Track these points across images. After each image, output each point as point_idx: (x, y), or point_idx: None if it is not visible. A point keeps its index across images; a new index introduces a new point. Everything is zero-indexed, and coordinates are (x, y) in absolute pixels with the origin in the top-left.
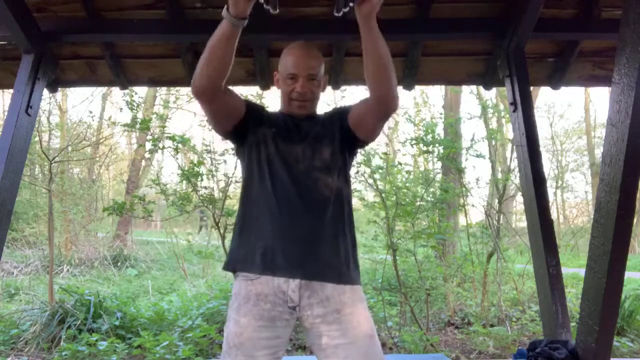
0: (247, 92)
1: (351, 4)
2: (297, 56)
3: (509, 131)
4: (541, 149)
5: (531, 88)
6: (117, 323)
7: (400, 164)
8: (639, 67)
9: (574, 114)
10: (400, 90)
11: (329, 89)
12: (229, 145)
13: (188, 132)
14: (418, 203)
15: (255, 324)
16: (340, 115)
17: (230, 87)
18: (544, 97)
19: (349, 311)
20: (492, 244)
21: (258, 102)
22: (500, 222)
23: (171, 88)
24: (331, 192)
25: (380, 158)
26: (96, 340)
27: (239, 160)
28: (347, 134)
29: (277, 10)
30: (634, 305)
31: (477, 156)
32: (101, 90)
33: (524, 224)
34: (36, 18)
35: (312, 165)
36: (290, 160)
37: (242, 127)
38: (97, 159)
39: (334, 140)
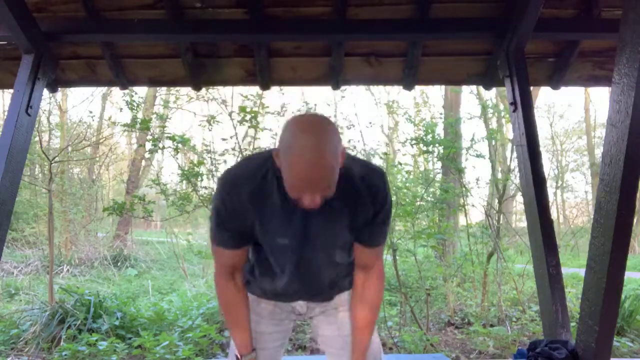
0: (247, 92)
1: None
2: (304, 175)
3: (509, 131)
4: (541, 149)
5: (531, 88)
6: (117, 323)
7: (400, 164)
8: (639, 67)
9: (574, 114)
10: (401, 90)
11: (328, 89)
12: (229, 145)
13: (188, 132)
14: (418, 203)
15: (268, 320)
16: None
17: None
18: (544, 97)
19: (347, 308)
20: (492, 244)
21: (256, 104)
22: (500, 222)
23: (171, 88)
24: (338, 264)
25: (380, 158)
26: (96, 340)
27: None
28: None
29: None
30: (634, 305)
31: (477, 156)
32: (101, 90)
33: (524, 224)
34: (36, 18)
35: (314, 249)
36: (297, 246)
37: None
38: (97, 159)
39: (348, 229)
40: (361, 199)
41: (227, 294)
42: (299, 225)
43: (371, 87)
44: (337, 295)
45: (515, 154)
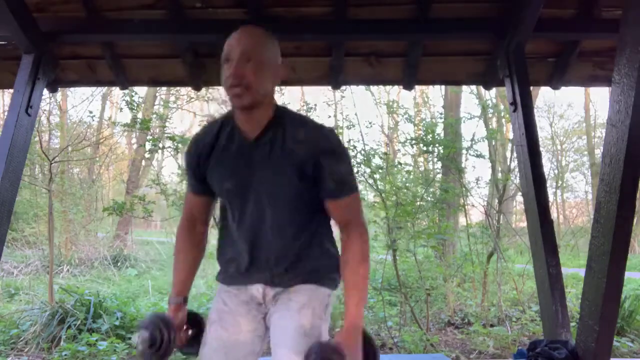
0: None
1: None
2: (232, 37)
3: (509, 131)
4: (541, 149)
5: (531, 88)
6: (117, 323)
7: (400, 164)
8: (639, 67)
9: (574, 114)
10: (401, 90)
11: (328, 88)
12: None
13: (188, 132)
14: (418, 203)
15: (235, 300)
16: (319, 169)
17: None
18: (544, 97)
19: (302, 302)
20: (492, 244)
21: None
22: (500, 222)
23: (171, 88)
24: (286, 218)
25: (380, 158)
26: (96, 340)
27: None
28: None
29: None
30: (634, 305)
31: (477, 156)
32: (101, 90)
33: (524, 224)
34: (36, 18)
35: (260, 196)
36: (242, 191)
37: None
38: (97, 159)
39: (295, 175)
40: (305, 144)
41: (179, 239)
42: (241, 169)
43: (371, 87)
44: (292, 281)
45: (515, 154)
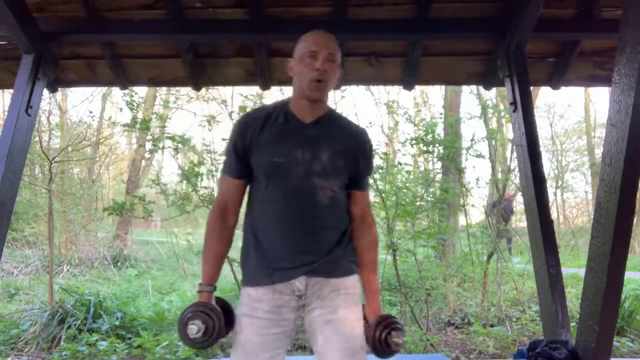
0: (247, 91)
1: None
2: (318, 36)
3: (509, 131)
4: (541, 149)
5: (531, 88)
6: (117, 323)
7: (400, 164)
8: (639, 67)
9: (574, 114)
10: (401, 90)
11: None
12: None
13: (188, 132)
14: (418, 203)
15: (265, 306)
16: (360, 164)
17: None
18: (544, 97)
19: (348, 305)
20: (492, 244)
21: (256, 104)
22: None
23: (171, 88)
24: (328, 197)
25: (380, 158)
26: (96, 340)
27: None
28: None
29: None
30: (634, 305)
31: (477, 156)
32: (101, 90)
33: (524, 224)
34: (36, 18)
35: (310, 171)
36: (294, 165)
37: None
38: (97, 159)
39: (344, 163)
40: (352, 137)
41: (210, 229)
42: (296, 144)
43: (371, 87)
44: (332, 266)
45: (515, 154)
